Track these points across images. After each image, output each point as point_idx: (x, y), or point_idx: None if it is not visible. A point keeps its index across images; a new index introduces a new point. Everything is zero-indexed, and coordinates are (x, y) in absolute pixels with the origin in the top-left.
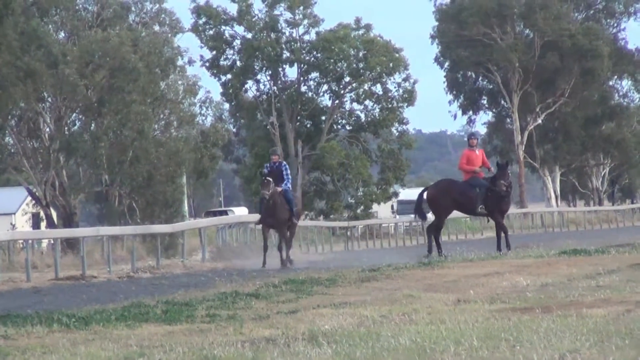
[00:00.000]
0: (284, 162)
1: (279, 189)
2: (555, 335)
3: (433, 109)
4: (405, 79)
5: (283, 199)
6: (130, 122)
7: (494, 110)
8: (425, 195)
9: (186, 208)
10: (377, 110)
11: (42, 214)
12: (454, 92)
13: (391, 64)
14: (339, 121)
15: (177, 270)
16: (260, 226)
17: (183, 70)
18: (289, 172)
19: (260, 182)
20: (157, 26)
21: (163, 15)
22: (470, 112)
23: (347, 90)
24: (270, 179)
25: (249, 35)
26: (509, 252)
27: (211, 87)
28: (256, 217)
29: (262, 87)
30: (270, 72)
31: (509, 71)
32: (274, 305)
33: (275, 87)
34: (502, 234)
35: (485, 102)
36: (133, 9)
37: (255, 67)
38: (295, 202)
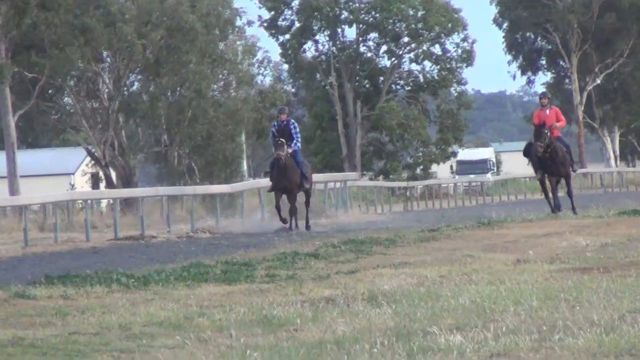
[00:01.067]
0: (292, 120)
1: (289, 150)
2: (615, 295)
3: (492, 70)
4: (464, 39)
5: (293, 162)
6: (188, 82)
7: (552, 71)
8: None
9: (245, 168)
10: (436, 70)
11: (101, 174)
12: (513, 53)
13: (450, 24)
14: (398, 81)
15: (237, 230)
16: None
17: (241, 30)
18: (298, 130)
19: (272, 142)
20: None
21: None
22: (529, 73)
23: (405, 50)
24: (284, 140)
25: None
26: (561, 213)
27: (270, 47)
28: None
29: (320, 47)
30: (328, 32)
31: (568, 32)
32: (334, 265)
33: (334, 48)
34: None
35: (544, 62)
36: None
37: (314, 27)
38: (307, 165)
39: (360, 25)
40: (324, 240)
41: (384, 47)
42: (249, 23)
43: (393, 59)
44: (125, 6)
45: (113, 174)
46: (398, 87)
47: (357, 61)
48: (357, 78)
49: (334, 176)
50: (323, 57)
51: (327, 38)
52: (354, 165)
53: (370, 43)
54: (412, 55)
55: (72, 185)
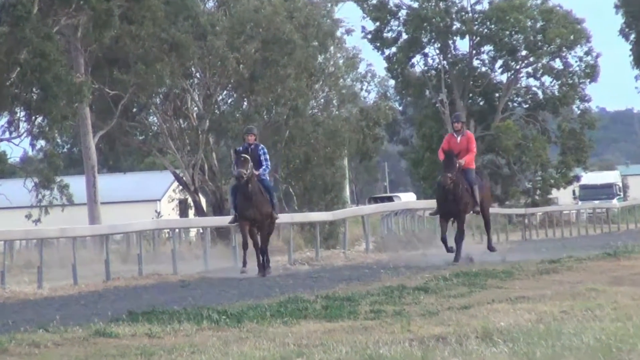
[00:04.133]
0: (262, 145)
1: (257, 172)
2: None
3: (618, 86)
4: (587, 53)
5: (261, 186)
6: (285, 99)
7: None
8: None
9: (348, 194)
10: (556, 86)
11: (189, 200)
12: None
13: (572, 36)
14: (515, 98)
15: (338, 262)
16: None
17: (340, 42)
18: (267, 157)
19: (234, 160)
20: None
21: None
22: None
23: (523, 64)
24: (248, 157)
25: (416, 5)
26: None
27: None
28: (426, 204)
29: (430, 61)
30: (439, 45)
31: None
32: (445, 300)
33: (444, 62)
34: None
35: None
36: None
37: (423, 39)
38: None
39: (474, 37)
40: (433, 272)
41: (500, 61)
42: (348, 32)
43: (509, 73)
44: (216, 17)
45: (203, 201)
46: (515, 104)
47: (470, 76)
48: (470, 95)
49: None
50: (433, 71)
51: (438, 51)
52: None
53: (485, 56)
54: (530, 69)
55: (158, 213)
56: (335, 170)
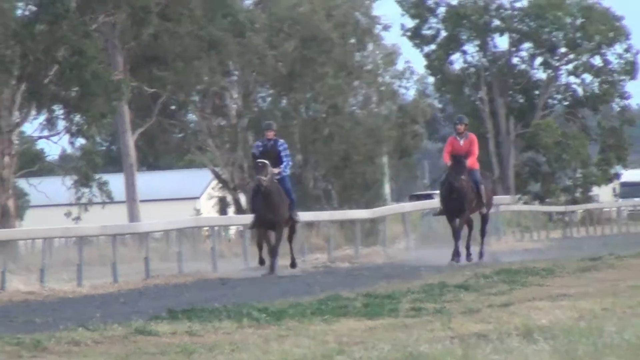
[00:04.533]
0: (281, 141)
1: (276, 170)
2: None
3: None
4: (627, 50)
5: (280, 189)
6: (324, 96)
7: None
8: None
9: (388, 191)
10: (596, 83)
11: (229, 198)
12: None
13: (611, 34)
14: (554, 96)
15: (378, 260)
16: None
17: (378, 38)
18: (288, 152)
19: (253, 165)
20: None
21: None
22: None
23: (563, 62)
24: (267, 162)
25: (455, 2)
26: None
27: (413, 58)
28: None
29: (469, 58)
30: (478, 42)
31: None
32: (485, 297)
33: (484, 59)
34: None
35: None
36: None
37: (462, 36)
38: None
39: (513, 35)
40: (474, 270)
41: (539, 59)
42: (386, 28)
43: (549, 71)
44: (255, 14)
45: (242, 198)
46: (555, 102)
47: (509, 74)
48: (510, 92)
49: None
50: (472, 69)
51: (477, 48)
52: (507, 188)
53: (524, 54)
54: (570, 67)
55: (198, 211)
56: (375, 168)
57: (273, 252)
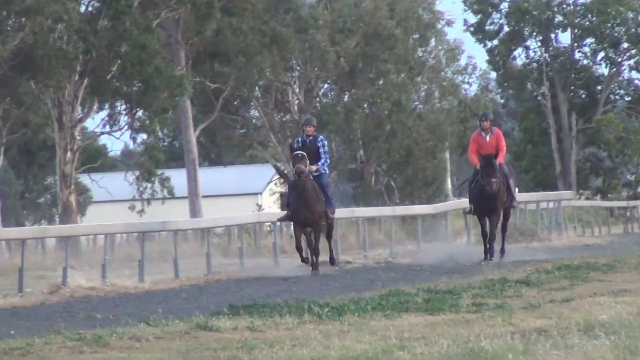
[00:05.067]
0: (321, 137)
1: (314, 167)
2: None
3: None
4: None
5: (316, 185)
6: (386, 93)
7: None
8: None
9: (449, 186)
10: None
11: None
12: None
13: None
14: (617, 91)
15: (440, 255)
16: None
17: (441, 34)
18: (327, 149)
19: (291, 157)
20: None
21: None
22: None
23: (625, 57)
24: (304, 153)
25: None
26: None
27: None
28: (528, 197)
29: (531, 54)
30: (540, 37)
31: None
32: (546, 293)
33: (546, 54)
34: None
35: None
36: None
37: (524, 32)
38: (331, 193)
39: (575, 30)
40: (535, 265)
41: (601, 54)
42: (449, 23)
43: (611, 66)
44: (317, 11)
45: None
46: (617, 97)
47: (571, 69)
48: (572, 88)
49: (546, 195)
50: (534, 64)
51: (539, 44)
52: (569, 183)
53: (586, 49)
54: (632, 62)
55: (260, 206)
56: (437, 163)
57: (314, 251)
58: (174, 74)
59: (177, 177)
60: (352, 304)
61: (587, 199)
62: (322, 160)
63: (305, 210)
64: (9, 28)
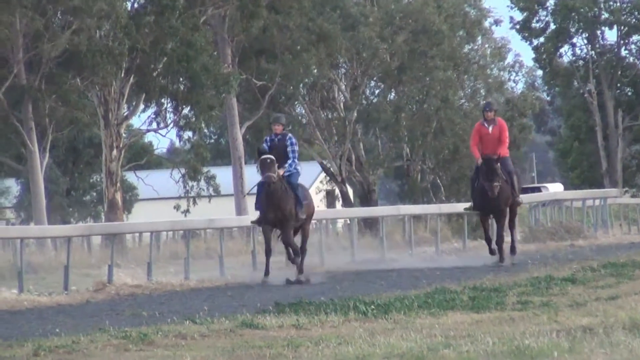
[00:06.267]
0: (290, 135)
1: (281, 171)
2: None
3: None
4: None
5: (286, 185)
6: (434, 90)
7: None
8: None
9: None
10: None
11: (337, 191)
12: None
13: None
14: None
15: (486, 253)
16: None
17: (488, 32)
18: (295, 147)
19: (259, 161)
20: None
21: None
22: None
23: None
24: (273, 158)
25: None
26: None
27: (522, 51)
28: (574, 195)
29: (578, 51)
30: (587, 35)
31: None
32: (592, 290)
33: (592, 52)
34: None
35: None
36: None
37: (571, 29)
38: (305, 193)
39: (622, 27)
40: (581, 263)
41: None
42: (497, 22)
43: None
44: (365, 8)
45: (350, 191)
46: None
47: (618, 66)
48: (618, 85)
49: (592, 193)
50: (581, 62)
51: (585, 41)
52: (615, 181)
53: (633, 46)
54: None
55: None
56: None
57: (294, 254)
58: (220, 71)
59: (223, 175)
60: (398, 302)
61: (633, 196)
62: (290, 161)
63: (275, 211)
64: (55, 26)
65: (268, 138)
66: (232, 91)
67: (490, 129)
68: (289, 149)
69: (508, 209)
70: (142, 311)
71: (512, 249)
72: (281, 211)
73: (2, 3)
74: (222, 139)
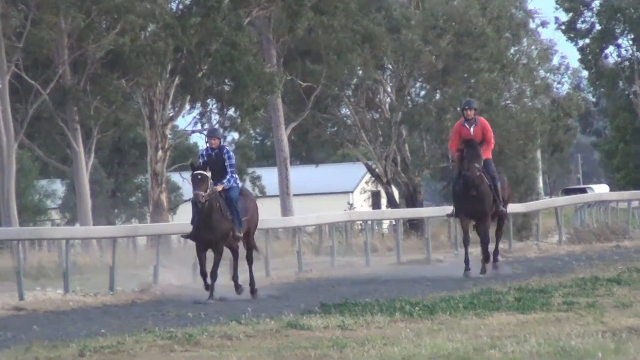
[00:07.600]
0: (227, 148)
1: (219, 187)
2: None
3: None
4: None
5: (223, 202)
6: (478, 92)
7: None
8: None
9: (541, 185)
10: None
11: (382, 192)
12: None
13: None
14: None
15: (531, 254)
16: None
17: (535, 34)
18: (233, 161)
19: (191, 177)
20: None
21: None
22: None
23: None
24: (206, 174)
25: None
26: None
27: (567, 52)
28: (620, 196)
29: (623, 52)
30: (632, 36)
31: None
32: (638, 291)
33: (638, 53)
34: None
35: None
36: None
37: (616, 30)
38: (247, 204)
39: None
40: (627, 264)
41: None
42: (543, 24)
43: None
44: (409, 10)
45: (395, 192)
46: None
47: None
48: None
49: (638, 194)
50: (626, 62)
51: (631, 42)
52: None
53: None
54: None
55: (351, 205)
56: (528, 162)
57: (212, 276)
58: (264, 72)
59: (269, 176)
60: (443, 303)
61: None
62: (228, 176)
63: (207, 231)
64: (99, 27)
65: (204, 152)
66: (276, 92)
67: (472, 129)
68: (226, 162)
69: (491, 216)
70: (188, 312)
71: (495, 258)
72: (213, 233)
73: (45, 2)
74: (267, 139)
